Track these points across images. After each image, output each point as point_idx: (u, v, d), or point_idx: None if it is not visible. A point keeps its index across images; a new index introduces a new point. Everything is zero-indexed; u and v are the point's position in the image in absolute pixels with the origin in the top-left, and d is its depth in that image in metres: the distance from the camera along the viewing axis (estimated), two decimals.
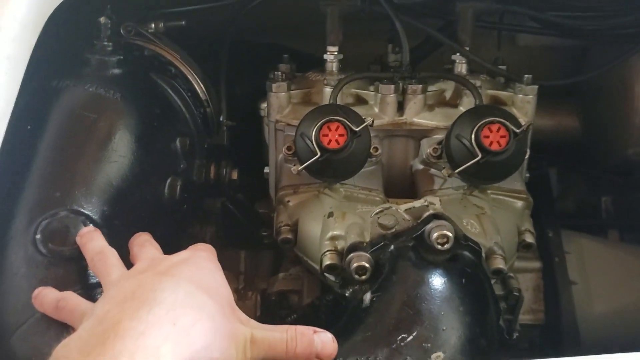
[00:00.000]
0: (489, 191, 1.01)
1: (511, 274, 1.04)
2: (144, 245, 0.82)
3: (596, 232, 1.44)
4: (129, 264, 0.80)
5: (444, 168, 0.99)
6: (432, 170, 1.04)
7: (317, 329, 0.70)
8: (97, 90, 0.94)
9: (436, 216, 0.82)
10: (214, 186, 1.09)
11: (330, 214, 0.94)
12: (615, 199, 1.50)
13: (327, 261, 0.89)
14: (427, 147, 1.03)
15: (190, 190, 1.03)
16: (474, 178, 0.97)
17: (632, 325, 1.16)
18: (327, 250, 0.90)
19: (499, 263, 0.90)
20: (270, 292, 1.07)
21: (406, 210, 0.84)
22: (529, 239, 0.99)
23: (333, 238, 0.91)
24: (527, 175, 1.12)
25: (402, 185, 1.08)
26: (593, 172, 1.51)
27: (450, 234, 0.79)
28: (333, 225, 0.92)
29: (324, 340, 0.68)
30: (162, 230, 0.99)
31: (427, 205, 0.83)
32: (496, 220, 0.96)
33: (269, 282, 1.10)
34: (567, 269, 1.16)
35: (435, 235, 0.79)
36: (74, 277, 0.79)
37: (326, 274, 0.91)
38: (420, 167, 1.06)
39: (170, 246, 1.12)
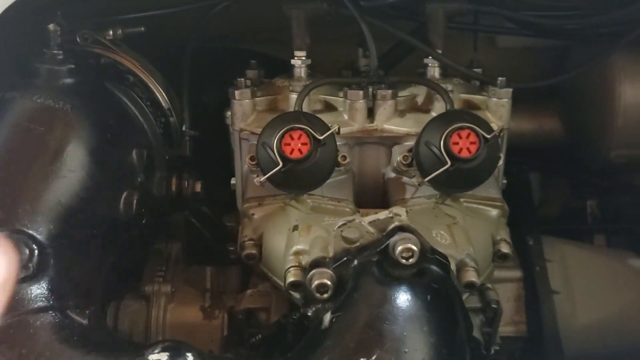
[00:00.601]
0: (462, 199, 0.97)
1: (489, 285, 1.00)
2: None
3: (582, 237, 1.41)
4: None
5: (414, 176, 0.95)
6: (404, 179, 1.00)
7: None
8: (45, 101, 0.89)
9: (401, 228, 0.77)
10: (176, 199, 1.04)
11: (295, 227, 0.89)
12: (600, 202, 1.46)
13: (290, 278, 0.84)
14: (398, 154, 0.99)
15: (150, 205, 0.98)
16: (444, 186, 0.92)
17: (617, 337, 1.11)
18: (291, 266, 0.85)
19: (471, 276, 0.85)
20: (237, 310, 1.02)
21: (370, 222, 0.79)
22: (505, 248, 0.95)
23: (297, 253, 0.86)
24: (504, 181, 1.08)
25: (374, 194, 1.04)
26: (577, 176, 1.47)
27: (415, 248, 0.74)
28: (297, 239, 0.87)
29: None
30: (120, 248, 0.94)
31: (392, 217, 0.79)
32: (469, 230, 0.91)
33: (237, 299, 1.05)
34: (548, 278, 1.12)
35: (399, 248, 0.74)
36: (14, 304, 0.73)
37: (291, 292, 0.87)
38: (392, 175, 1.02)
39: (132, 263, 1.09)
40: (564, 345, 1.09)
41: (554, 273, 1.14)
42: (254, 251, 0.93)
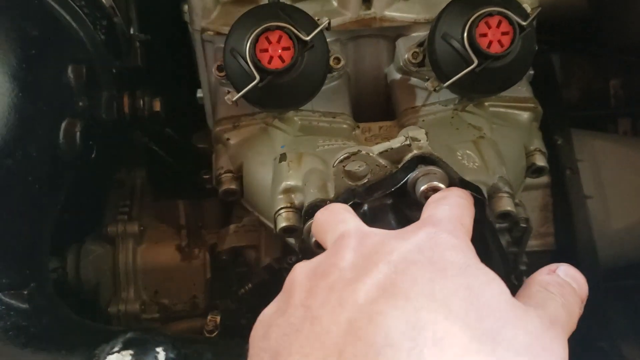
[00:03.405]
0: (487, 103, 0.78)
1: (517, 201, 0.84)
2: (439, 203, 0.51)
3: (605, 122, 1.25)
4: None
5: (428, 79, 0.76)
6: (413, 80, 0.81)
7: (554, 266, 0.48)
8: None
9: (422, 159, 0.59)
10: (131, 123, 0.84)
11: (282, 157, 0.71)
12: (625, 82, 1.28)
13: (282, 222, 0.67)
14: (405, 50, 0.78)
15: (99, 133, 0.79)
16: (468, 91, 0.74)
17: None
18: (282, 208, 0.68)
19: (505, 204, 0.69)
20: (221, 250, 0.86)
21: (381, 153, 0.61)
22: (540, 161, 0.78)
23: (287, 191, 0.69)
24: (531, 72, 0.88)
25: (376, 102, 0.85)
26: (600, 53, 1.27)
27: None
28: (286, 172, 0.69)
29: (572, 276, 0.47)
30: (66, 192, 0.76)
31: (410, 144, 0.60)
32: (498, 144, 0.73)
33: (219, 235, 0.89)
34: (581, 182, 0.96)
35: (422, 188, 0.57)
36: None
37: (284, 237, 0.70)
38: (398, 76, 0.82)
39: (89, 204, 0.91)
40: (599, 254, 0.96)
41: (585, 175, 0.98)
42: (233, 186, 0.76)
